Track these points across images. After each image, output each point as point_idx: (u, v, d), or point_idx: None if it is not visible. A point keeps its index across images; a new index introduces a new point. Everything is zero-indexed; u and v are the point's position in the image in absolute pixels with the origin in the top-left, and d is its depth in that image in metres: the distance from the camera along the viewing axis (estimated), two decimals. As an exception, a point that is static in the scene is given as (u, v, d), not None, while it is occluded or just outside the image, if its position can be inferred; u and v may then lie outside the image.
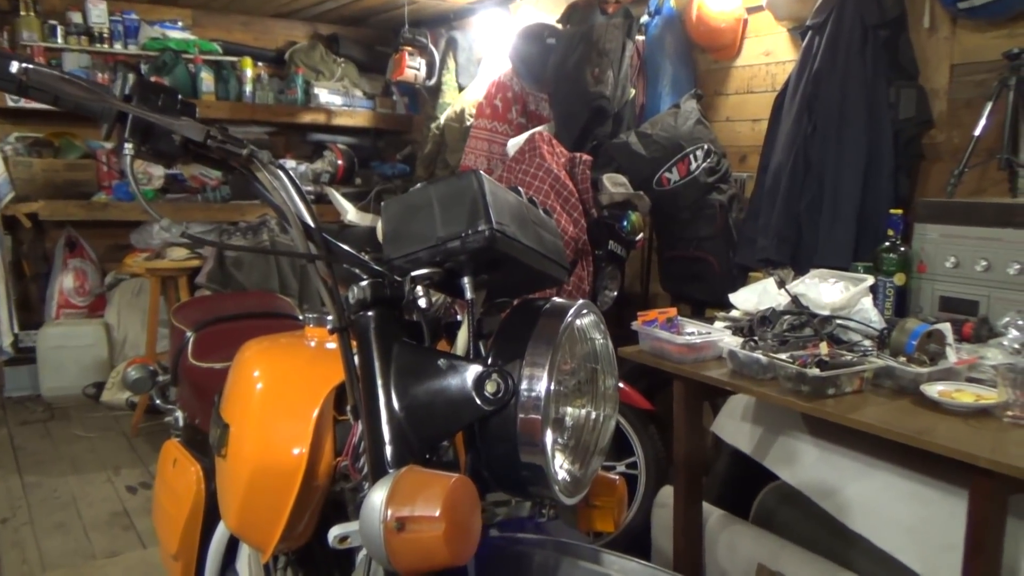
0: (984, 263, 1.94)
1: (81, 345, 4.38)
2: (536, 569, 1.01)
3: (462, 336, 0.96)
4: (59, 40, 4.30)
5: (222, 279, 3.84)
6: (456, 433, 0.94)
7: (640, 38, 3.39)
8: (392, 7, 4.66)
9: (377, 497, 0.77)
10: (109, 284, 4.61)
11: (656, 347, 1.99)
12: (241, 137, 0.99)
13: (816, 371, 1.61)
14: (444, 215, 0.90)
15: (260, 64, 4.94)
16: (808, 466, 1.90)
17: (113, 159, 4.33)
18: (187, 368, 1.74)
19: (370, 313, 0.94)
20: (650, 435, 2.61)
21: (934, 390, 1.57)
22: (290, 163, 4.81)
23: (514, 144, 3.25)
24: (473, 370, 0.88)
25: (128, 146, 0.93)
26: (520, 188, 1.06)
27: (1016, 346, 1.73)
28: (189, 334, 1.82)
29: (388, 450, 0.87)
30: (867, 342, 1.80)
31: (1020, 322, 1.77)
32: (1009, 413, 1.50)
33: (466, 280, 0.94)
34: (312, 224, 0.99)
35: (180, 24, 4.76)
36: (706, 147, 3.02)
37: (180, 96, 0.98)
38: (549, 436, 0.87)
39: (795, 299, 1.93)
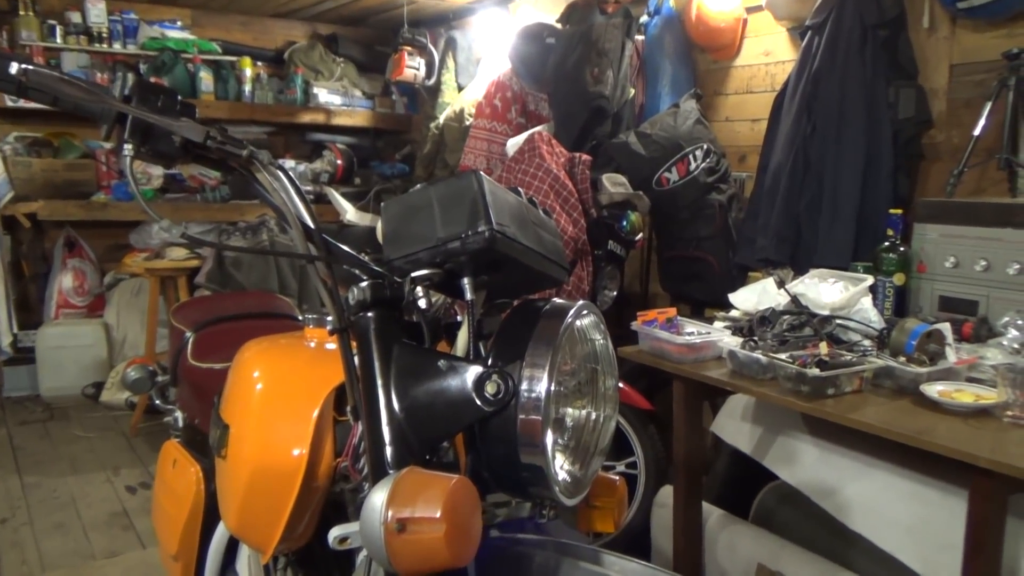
0: (984, 263, 1.94)
1: (80, 345, 4.38)
2: (536, 570, 1.01)
3: (462, 337, 0.96)
4: (58, 40, 4.30)
5: (221, 279, 3.84)
6: (456, 434, 0.94)
7: (639, 38, 3.39)
8: (391, 7, 4.66)
9: (378, 498, 0.76)
10: (108, 284, 4.61)
11: (656, 347, 1.99)
12: (240, 137, 0.99)
13: (816, 371, 1.61)
14: (444, 216, 0.90)
15: (259, 64, 4.94)
16: (808, 466, 1.90)
17: (112, 159, 4.33)
18: (187, 368, 1.73)
19: (370, 314, 0.94)
20: (650, 435, 2.61)
21: (934, 390, 1.58)
22: (289, 163, 4.82)
23: (513, 144, 3.25)
24: (473, 371, 0.88)
25: (128, 147, 0.93)
26: (520, 188, 1.06)
27: (1016, 346, 1.73)
28: (188, 334, 1.81)
29: (388, 451, 0.87)
30: (867, 342, 1.80)
31: (1020, 322, 1.77)
32: (1009, 413, 1.50)
33: (466, 281, 0.94)
34: (312, 225, 0.98)
35: (179, 24, 4.76)
36: (705, 147, 3.02)
37: (180, 97, 0.98)
38: (549, 437, 0.86)
39: (795, 299, 1.93)
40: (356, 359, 0.95)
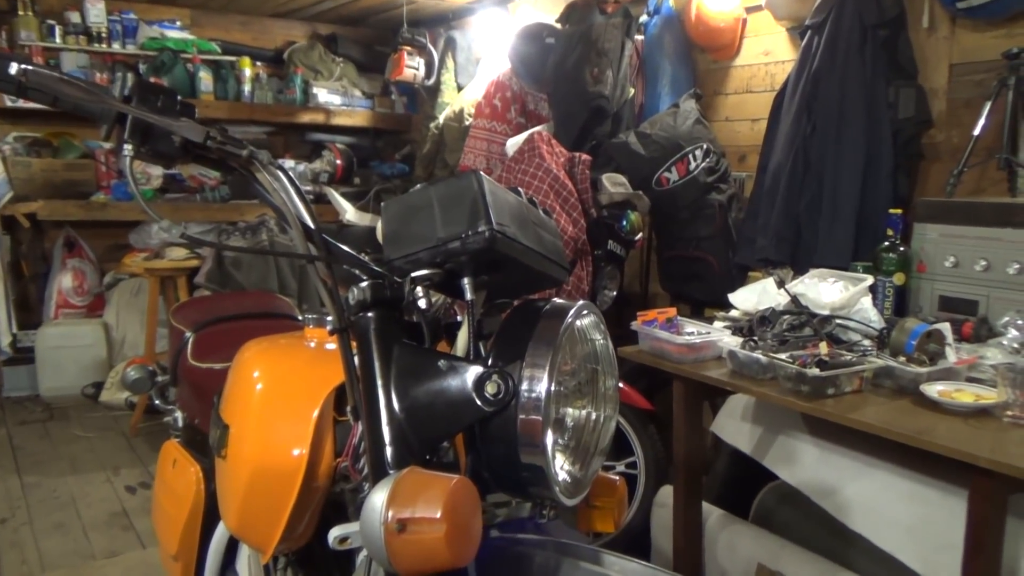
0: (983, 263, 1.94)
1: (80, 345, 4.38)
2: (537, 570, 1.01)
3: (462, 337, 0.96)
4: (57, 40, 4.29)
5: (221, 279, 3.84)
6: (456, 434, 0.94)
7: (639, 38, 3.39)
8: (391, 7, 4.66)
9: (378, 498, 0.76)
10: (108, 284, 4.61)
11: (656, 347, 1.99)
12: (240, 137, 0.99)
13: (816, 371, 1.61)
14: (444, 216, 0.90)
15: (259, 64, 4.94)
16: (808, 466, 1.90)
17: (111, 159, 4.33)
18: (186, 368, 1.73)
19: (370, 314, 0.94)
20: (649, 435, 2.61)
21: (934, 390, 1.58)
22: (289, 163, 4.81)
23: (513, 144, 3.25)
24: (473, 371, 0.88)
25: (128, 147, 0.93)
26: (520, 188, 1.06)
27: (1015, 346, 1.73)
28: (188, 334, 1.81)
29: (388, 451, 0.87)
30: (867, 342, 1.80)
31: (1020, 322, 1.77)
32: (1009, 413, 1.50)
33: (466, 281, 0.94)
34: (312, 225, 0.98)
35: (178, 24, 4.76)
36: (705, 147, 3.02)
37: (179, 97, 0.98)
38: (550, 437, 0.86)
39: (794, 299, 1.93)
40: (356, 359, 0.95)
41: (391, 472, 0.84)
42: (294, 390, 1.10)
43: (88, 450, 3.70)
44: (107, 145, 4.28)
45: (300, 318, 1.69)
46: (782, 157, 2.71)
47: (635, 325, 2.03)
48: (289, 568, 1.22)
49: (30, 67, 0.93)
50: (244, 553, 1.38)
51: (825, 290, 1.95)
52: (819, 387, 1.62)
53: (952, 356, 1.70)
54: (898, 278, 2.09)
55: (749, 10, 3.17)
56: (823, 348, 1.69)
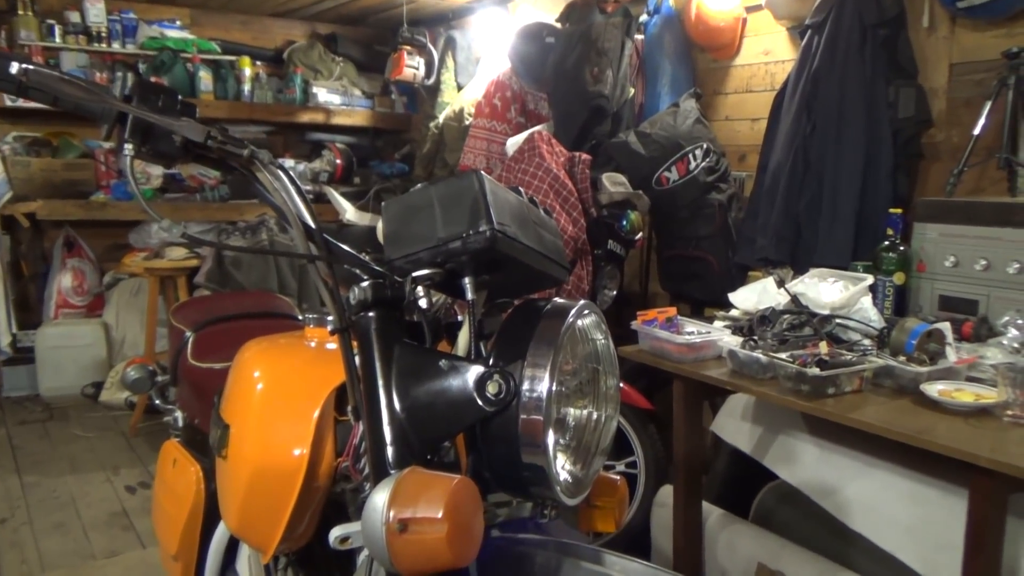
0: (983, 262, 1.94)
1: (80, 345, 4.37)
2: (538, 570, 1.01)
3: (463, 337, 0.96)
4: (57, 39, 4.29)
5: (221, 279, 3.84)
6: (458, 434, 0.94)
7: (639, 37, 3.39)
8: (391, 6, 4.66)
9: (379, 498, 0.76)
10: (107, 284, 4.61)
11: (656, 346, 1.99)
12: (240, 137, 0.99)
13: (816, 370, 1.62)
14: (445, 216, 0.90)
15: (258, 63, 4.94)
16: (808, 465, 1.90)
17: (111, 159, 4.32)
18: (187, 368, 1.73)
19: (371, 314, 0.94)
20: (650, 434, 2.61)
21: (934, 389, 1.58)
22: (288, 162, 4.81)
23: (513, 143, 3.25)
24: (474, 371, 0.88)
25: (128, 147, 0.93)
26: (520, 188, 1.06)
27: (1016, 345, 1.73)
28: (188, 334, 1.81)
29: (389, 451, 0.87)
30: (867, 341, 1.80)
31: (1020, 321, 1.77)
32: (1009, 412, 1.50)
33: (467, 280, 0.94)
34: (312, 225, 0.98)
35: (178, 23, 4.75)
36: (705, 146, 3.02)
37: (180, 96, 0.97)
38: (551, 437, 0.86)
39: (794, 298, 1.93)
40: (357, 359, 0.94)
41: (392, 472, 0.84)
42: (295, 390, 1.10)
43: (88, 450, 3.70)
44: (107, 145, 4.28)
45: (300, 318, 1.69)
46: (782, 156, 2.71)
47: (635, 325, 2.03)
48: (290, 568, 1.22)
49: (31, 66, 0.93)
50: (244, 553, 1.38)
51: (825, 290, 1.95)
52: (819, 387, 1.62)
53: (952, 356, 1.70)
54: (898, 278, 2.09)
55: (749, 9, 3.17)
56: (823, 348, 1.69)
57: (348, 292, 0.96)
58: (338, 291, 0.96)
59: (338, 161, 4.89)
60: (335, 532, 0.87)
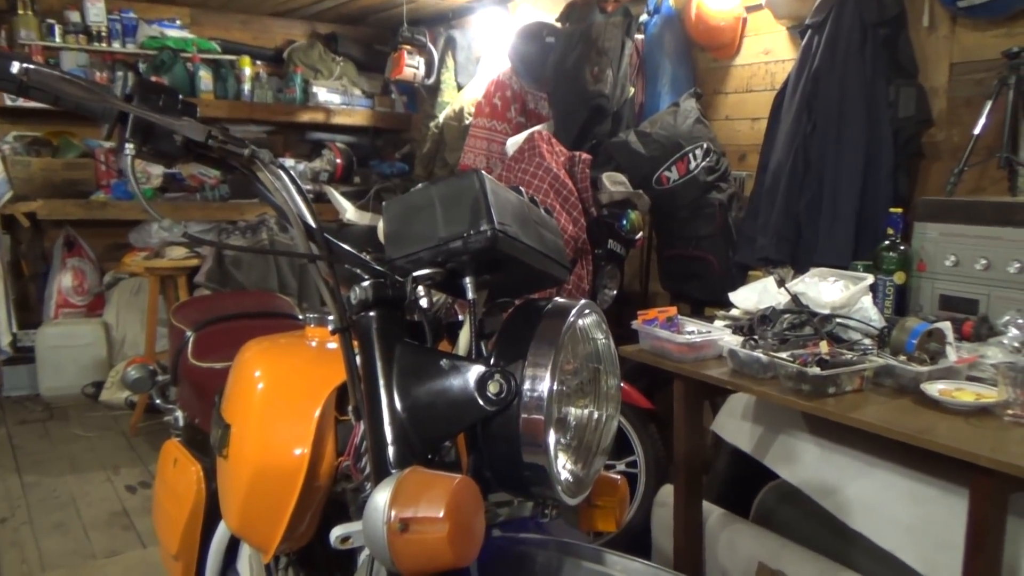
0: (984, 262, 1.94)
1: (80, 344, 4.37)
2: (539, 570, 1.01)
3: (464, 336, 0.96)
4: (57, 39, 4.29)
5: (221, 278, 3.84)
6: (459, 434, 0.94)
7: (639, 36, 3.39)
8: (391, 6, 4.66)
9: (381, 498, 0.76)
10: (108, 283, 4.61)
11: (656, 346, 1.99)
12: (240, 136, 0.99)
13: (817, 370, 1.62)
14: (446, 215, 0.90)
15: (258, 63, 4.93)
16: (808, 465, 1.90)
17: (111, 158, 4.32)
18: (187, 368, 1.73)
19: (372, 313, 0.94)
20: (650, 434, 2.61)
21: (934, 389, 1.58)
22: (289, 162, 4.81)
23: (513, 143, 3.25)
24: (475, 370, 0.88)
25: (129, 146, 0.93)
26: (521, 187, 1.06)
27: (1016, 344, 1.73)
28: (189, 334, 1.81)
29: (391, 451, 0.87)
30: (867, 341, 1.80)
31: (1020, 321, 1.77)
32: (1009, 412, 1.50)
33: (468, 280, 0.94)
34: (313, 224, 0.98)
35: (178, 23, 4.75)
36: (705, 146, 3.02)
37: (181, 96, 0.97)
38: (552, 436, 0.86)
39: (795, 298, 1.93)
40: (358, 359, 0.94)
41: (393, 472, 0.84)
42: (296, 389, 1.10)
43: (88, 449, 3.70)
44: (107, 144, 4.27)
45: (300, 317, 1.69)
46: (782, 156, 2.71)
47: (636, 324, 2.03)
48: (290, 568, 1.22)
49: (32, 66, 0.93)
50: (245, 553, 1.38)
51: (825, 289, 1.95)
52: (820, 386, 1.62)
53: (953, 355, 1.70)
54: (898, 277, 2.09)
55: (749, 9, 3.17)
56: (824, 347, 1.69)
57: (349, 292, 0.96)
58: (339, 291, 0.96)
59: (338, 161, 4.89)
60: (336, 532, 0.87)
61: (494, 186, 0.91)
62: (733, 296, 2.15)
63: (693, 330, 2.00)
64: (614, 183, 2.89)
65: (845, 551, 1.87)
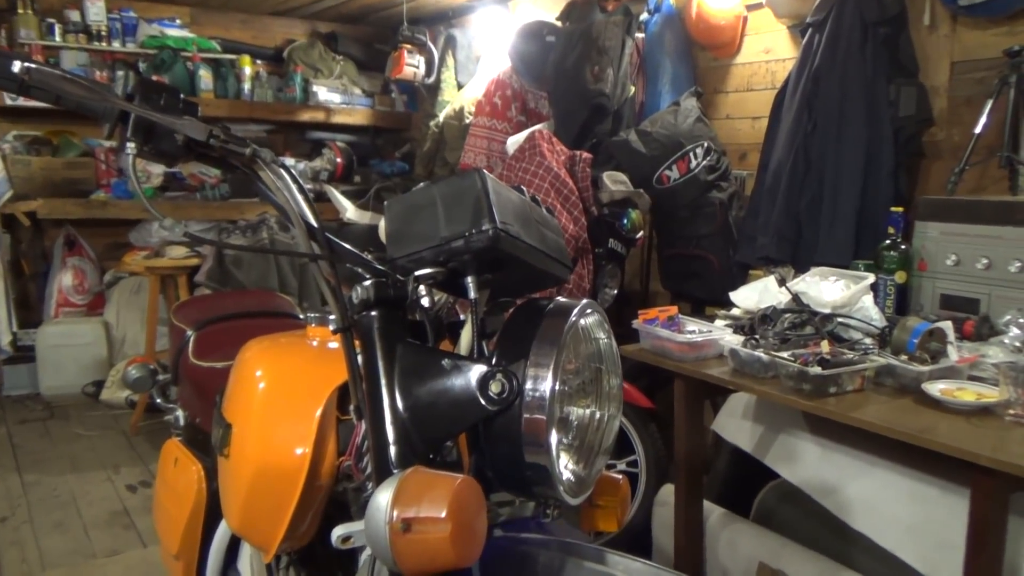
0: (985, 261, 1.94)
1: (80, 343, 4.37)
2: (541, 570, 1.01)
3: (466, 336, 0.96)
4: (57, 38, 4.29)
5: (221, 277, 3.84)
6: (460, 433, 0.94)
7: (640, 35, 3.39)
8: (391, 5, 4.66)
9: (383, 498, 0.76)
10: (108, 282, 4.61)
11: (657, 345, 1.99)
12: (241, 135, 0.99)
13: (818, 369, 1.61)
14: (447, 215, 0.90)
15: (259, 62, 4.93)
16: (809, 464, 1.90)
17: (111, 157, 4.32)
18: (188, 367, 1.73)
19: (373, 313, 0.93)
20: (651, 433, 2.61)
21: (935, 388, 1.58)
22: (289, 161, 4.81)
23: (514, 142, 3.25)
24: (477, 370, 0.88)
25: (130, 146, 0.93)
26: (523, 187, 1.05)
27: (1017, 344, 1.72)
28: (190, 333, 1.81)
29: (392, 450, 0.87)
30: (868, 340, 1.80)
31: (1021, 320, 1.77)
32: (1011, 411, 1.50)
33: (469, 280, 0.94)
34: (315, 224, 0.98)
35: (178, 22, 4.75)
36: (706, 145, 3.02)
37: (182, 95, 0.97)
38: (554, 436, 0.86)
39: (796, 297, 1.93)
40: (359, 358, 0.94)
41: (395, 471, 0.84)
42: (297, 389, 1.10)
43: (88, 448, 3.70)
44: (108, 143, 4.27)
45: (301, 316, 1.69)
46: (783, 155, 2.71)
47: (636, 323, 2.03)
48: (291, 567, 1.21)
49: (33, 65, 0.93)
50: (246, 552, 1.38)
51: (826, 288, 1.95)
52: (821, 386, 1.62)
53: (954, 355, 1.70)
54: (899, 276, 2.09)
55: (750, 8, 3.17)
56: (825, 346, 1.69)
57: (350, 291, 0.96)
58: (341, 290, 0.96)
59: (338, 160, 4.89)
60: (337, 531, 0.87)
61: (496, 185, 0.91)
62: (734, 295, 2.15)
63: (694, 329, 2.00)
64: (615, 182, 2.89)
65: (846, 551, 1.87)
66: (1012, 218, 1.90)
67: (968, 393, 1.57)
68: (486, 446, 0.89)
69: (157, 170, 4.41)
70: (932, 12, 2.52)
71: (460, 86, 4.58)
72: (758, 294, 2.08)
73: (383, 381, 0.90)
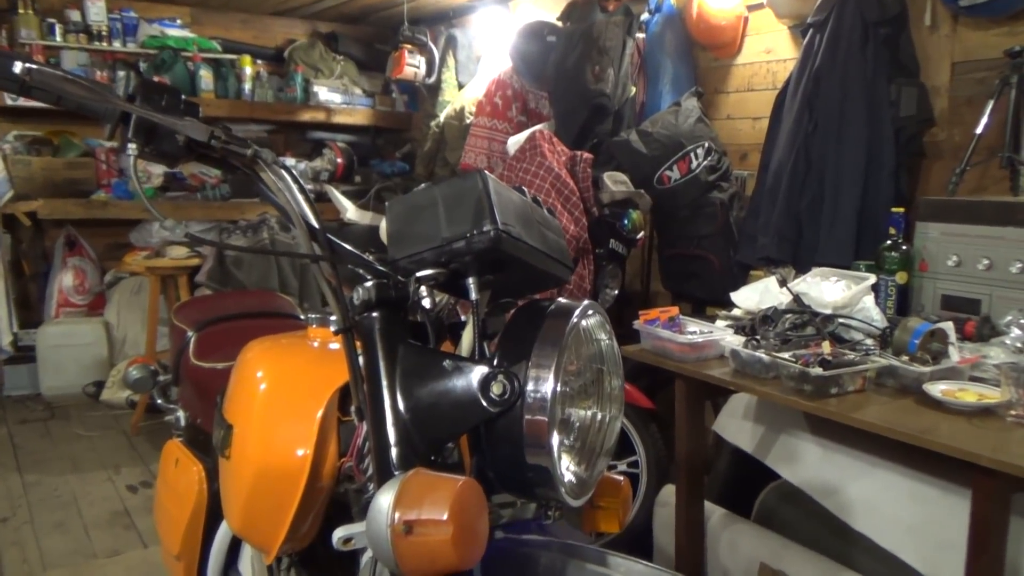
0: (986, 261, 1.94)
1: (81, 344, 4.37)
2: (542, 571, 1.01)
3: (467, 337, 0.96)
4: (57, 38, 4.29)
5: (222, 278, 3.84)
6: (462, 435, 0.94)
7: (640, 36, 3.39)
8: (391, 5, 4.65)
9: (384, 500, 0.76)
10: (109, 283, 4.61)
11: (658, 346, 1.99)
12: (242, 136, 0.99)
13: (819, 370, 1.61)
14: (449, 215, 0.89)
15: (259, 62, 4.93)
16: (810, 465, 1.90)
17: (112, 157, 4.32)
18: (189, 368, 1.73)
19: (375, 314, 0.93)
20: (651, 434, 2.61)
21: (937, 389, 1.57)
22: (289, 161, 4.81)
23: (514, 142, 3.25)
24: (479, 371, 0.88)
25: (132, 146, 0.93)
26: (524, 187, 1.05)
27: (1019, 345, 1.72)
28: (190, 333, 1.81)
29: (394, 452, 0.87)
30: (869, 341, 1.80)
31: (1022, 321, 1.77)
32: (1012, 412, 1.50)
33: (471, 281, 0.93)
34: (316, 224, 0.98)
35: (179, 22, 4.75)
36: (707, 145, 3.02)
37: (183, 96, 0.97)
38: (555, 438, 0.86)
39: (797, 298, 1.93)
40: (360, 359, 0.94)
41: (396, 473, 0.84)
42: (298, 390, 1.10)
43: (89, 449, 3.69)
44: (108, 143, 4.27)
45: (302, 317, 1.69)
46: (784, 155, 2.71)
47: (637, 324, 2.02)
48: (292, 569, 1.21)
49: (34, 66, 0.93)
50: (247, 553, 1.38)
51: (827, 289, 1.95)
52: (822, 386, 1.62)
53: (955, 355, 1.70)
54: (900, 277, 2.09)
55: (751, 8, 3.17)
56: (826, 347, 1.69)
57: (351, 292, 0.96)
58: (341, 291, 0.96)
59: (339, 160, 4.89)
60: (338, 533, 0.87)
61: (497, 186, 0.91)
62: (735, 296, 2.15)
63: (695, 330, 2.00)
64: (615, 182, 2.89)
65: (847, 551, 1.86)
66: (1013, 219, 1.90)
67: (969, 394, 1.57)
68: (487, 448, 0.89)
69: (158, 170, 4.40)
70: (933, 12, 2.52)
71: (461, 86, 4.58)
72: (759, 295, 2.08)
73: (384, 382, 0.90)
